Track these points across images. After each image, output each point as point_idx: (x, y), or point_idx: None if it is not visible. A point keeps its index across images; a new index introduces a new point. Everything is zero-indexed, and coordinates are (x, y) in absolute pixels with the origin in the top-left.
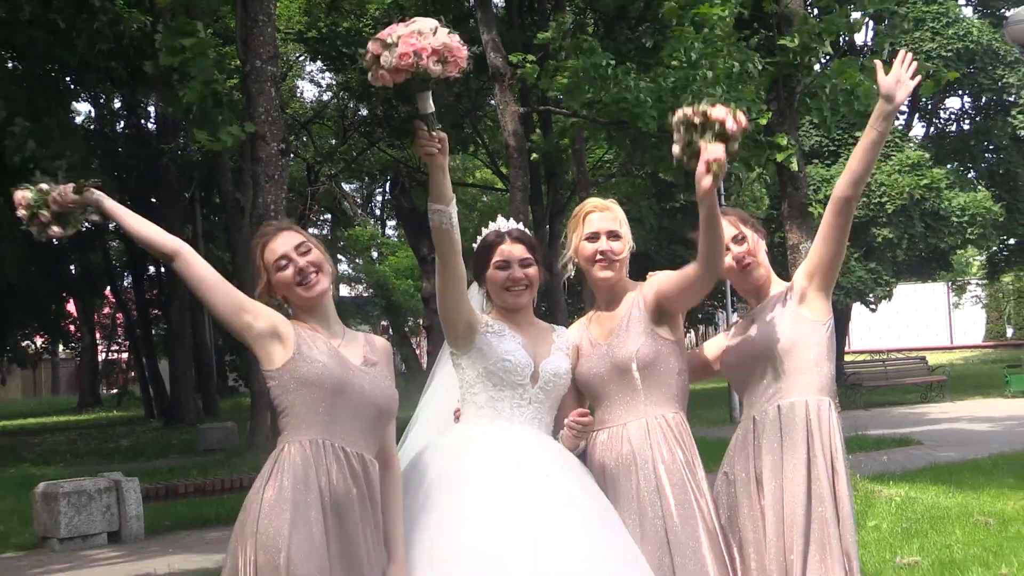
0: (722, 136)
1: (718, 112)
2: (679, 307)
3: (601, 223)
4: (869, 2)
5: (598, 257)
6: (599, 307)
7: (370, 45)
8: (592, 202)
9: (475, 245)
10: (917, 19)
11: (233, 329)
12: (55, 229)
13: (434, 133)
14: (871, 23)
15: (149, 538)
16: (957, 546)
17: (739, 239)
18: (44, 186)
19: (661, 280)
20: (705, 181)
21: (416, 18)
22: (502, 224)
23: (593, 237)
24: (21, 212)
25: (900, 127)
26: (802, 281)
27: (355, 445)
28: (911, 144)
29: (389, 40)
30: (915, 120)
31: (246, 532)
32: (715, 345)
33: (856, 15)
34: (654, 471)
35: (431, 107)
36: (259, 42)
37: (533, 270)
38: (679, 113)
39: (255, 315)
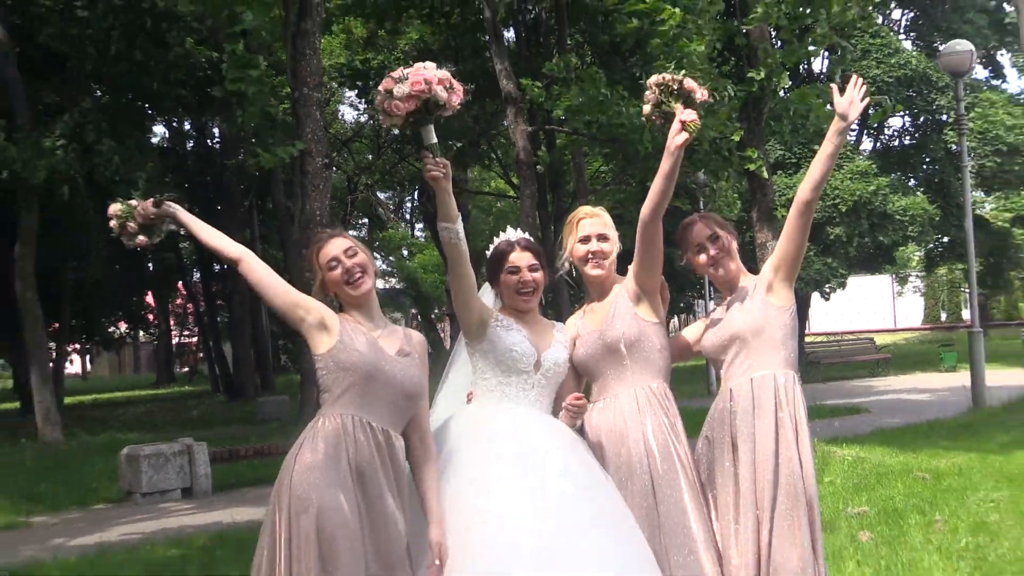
0: (690, 103)
1: (690, 83)
2: (648, 273)
3: (591, 228)
4: (821, 37)
5: (589, 256)
6: (591, 299)
7: (383, 83)
8: (584, 209)
9: (489, 248)
10: (864, 50)
11: (288, 321)
12: (141, 238)
13: (439, 160)
14: (826, 53)
15: (216, 494)
16: (899, 497)
17: (714, 238)
18: (132, 201)
19: (633, 264)
20: (679, 138)
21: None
22: (512, 234)
23: (585, 240)
24: (112, 223)
25: (851, 141)
26: (769, 273)
27: (382, 421)
28: (860, 155)
29: (399, 76)
30: (864, 136)
31: (283, 489)
32: (694, 331)
33: (811, 47)
34: (642, 433)
35: (435, 138)
36: (306, 73)
37: (540, 274)
38: (657, 77)
39: (307, 310)
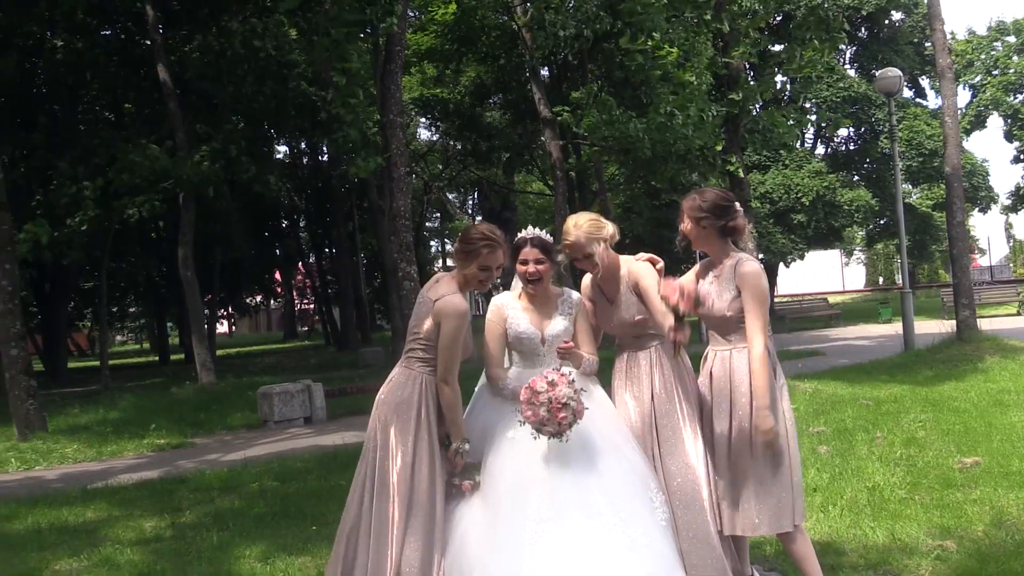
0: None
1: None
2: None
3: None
4: (790, 70)
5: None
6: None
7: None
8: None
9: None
10: (819, 76)
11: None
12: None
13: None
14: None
15: (329, 421)
16: (849, 419)
17: (682, 219)
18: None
19: (642, 286)
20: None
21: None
22: (529, 232)
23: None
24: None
25: (808, 148)
26: (737, 305)
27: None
28: (815, 159)
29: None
30: (818, 143)
31: (376, 405)
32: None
33: (780, 78)
34: (649, 382)
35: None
36: (391, 103)
37: (544, 266)
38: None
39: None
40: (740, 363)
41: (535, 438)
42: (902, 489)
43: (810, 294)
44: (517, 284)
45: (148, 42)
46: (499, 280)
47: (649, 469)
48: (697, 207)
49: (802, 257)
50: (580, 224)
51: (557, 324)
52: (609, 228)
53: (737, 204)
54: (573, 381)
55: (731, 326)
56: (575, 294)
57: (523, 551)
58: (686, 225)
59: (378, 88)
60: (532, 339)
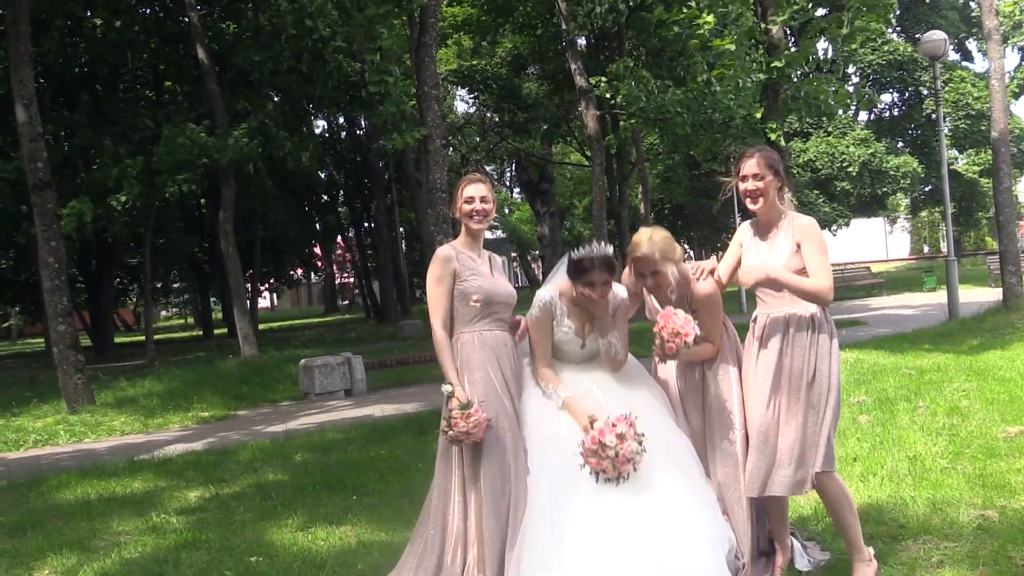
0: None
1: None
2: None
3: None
4: (831, 33)
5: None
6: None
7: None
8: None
9: (572, 255)
10: (863, 41)
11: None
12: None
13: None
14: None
15: (369, 393)
16: (891, 389)
17: (758, 177)
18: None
19: (701, 313)
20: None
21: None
22: (595, 250)
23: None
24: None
25: (851, 115)
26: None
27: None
28: (859, 124)
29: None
30: (859, 110)
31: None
32: (727, 267)
33: (822, 44)
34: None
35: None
36: (426, 75)
37: (608, 287)
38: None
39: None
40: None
41: (595, 481)
42: (944, 459)
43: (852, 263)
44: (560, 272)
45: (185, 20)
46: (539, 253)
47: (691, 452)
48: (776, 160)
49: (847, 225)
50: (655, 240)
51: (603, 344)
52: (679, 251)
53: None
54: (638, 432)
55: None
56: (621, 293)
57: (568, 511)
58: (766, 181)
59: (413, 61)
60: (572, 350)
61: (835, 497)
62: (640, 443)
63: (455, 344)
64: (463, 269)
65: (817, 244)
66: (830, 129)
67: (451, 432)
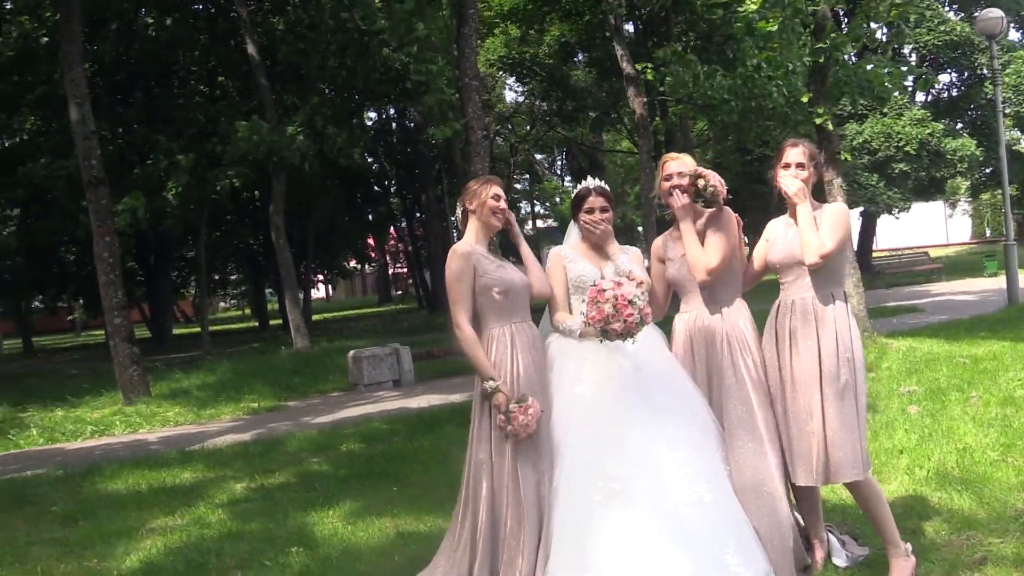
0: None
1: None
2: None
3: (676, 167)
4: (879, 15)
5: (671, 190)
6: (673, 229)
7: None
8: (669, 155)
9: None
10: (917, 21)
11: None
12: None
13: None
14: (885, 27)
15: (417, 384)
16: (943, 378)
17: (802, 167)
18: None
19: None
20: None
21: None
22: (590, 182)
23: (668, 178)
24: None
25: (908, 96)
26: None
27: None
28: (916, 105)
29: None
30: (916, 92)
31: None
32: (760, 254)
33: (873, 25)
34: (725, 337)
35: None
36: (467, 66)
37: (608, 214)
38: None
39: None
40: (821, 310)
41: (600, 341)
42: (994, 451)
43: (910, 248)
44: (572, 233)
45: (235, 14)
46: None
47: (712, 420)
48: (817, 154)
49: (908, 209)
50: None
51: (616, 265)
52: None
53: None
54: (640, 284)
55: (817, 271)
56: (634, 248)
57: (593, 513)
58: (807, 172)
59: (454, 52)
60: (592, 277)
61: (864, 493)
62: (641, 292)
63: (486, 340)
64: (482, 264)
65: (828, 218)
66: (886, 110)
67: (510, 427)
